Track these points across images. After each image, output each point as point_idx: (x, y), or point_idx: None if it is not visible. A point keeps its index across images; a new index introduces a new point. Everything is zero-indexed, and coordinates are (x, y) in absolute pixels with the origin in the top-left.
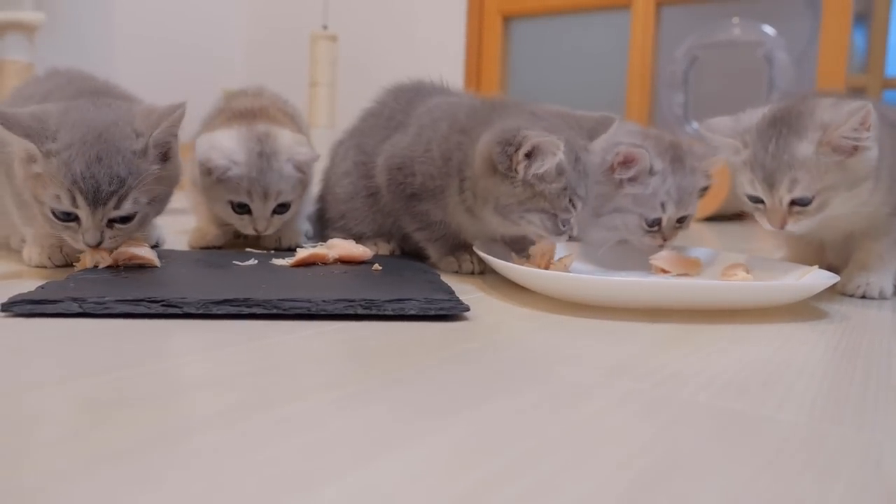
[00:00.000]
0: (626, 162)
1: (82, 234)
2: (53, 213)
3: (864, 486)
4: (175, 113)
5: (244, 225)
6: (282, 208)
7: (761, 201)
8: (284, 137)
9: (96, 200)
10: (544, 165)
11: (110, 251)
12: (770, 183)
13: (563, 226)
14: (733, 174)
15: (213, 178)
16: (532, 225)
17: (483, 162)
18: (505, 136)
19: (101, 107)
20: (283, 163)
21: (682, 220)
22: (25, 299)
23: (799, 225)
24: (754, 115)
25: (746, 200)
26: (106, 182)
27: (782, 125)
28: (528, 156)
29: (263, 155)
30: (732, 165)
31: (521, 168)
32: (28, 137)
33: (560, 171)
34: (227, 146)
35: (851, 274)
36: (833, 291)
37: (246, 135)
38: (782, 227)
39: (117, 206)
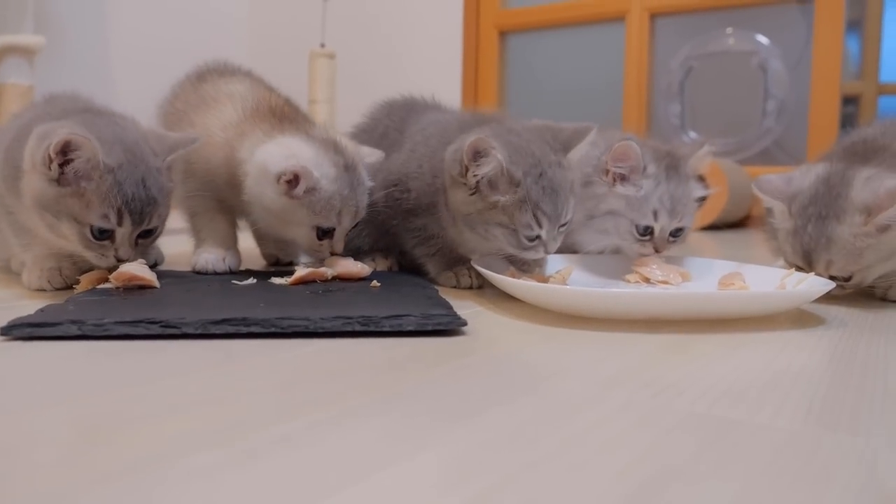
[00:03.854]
0: (619, 157)
1: (115, 250)
2: (93, 233)
3: (859, 492)
4: (191, 144)
5: (322, 250)
6: (355, 227)
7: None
8: (344, 140)
9: (139, 220)
10: (485, 166)
11: (110, 272)
12: (808, 261)
13: (530, 241)
14: (779, 232)
15: (288, 198)
16: (496, 240)
17: (447, 172)
18: (458, 143)
19: (110, 122)
20: (363, 172)
21: (676, 234)
22: (25, 322)
23: (842, 291)
24: (805, 179)
25: (788, 261)
26: (146, 203)
27: (822, 205)
28: (473, 158)
29: (350, 168)
30: (778, 226)
31: (469, 173)
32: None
33: (514, 182)
34: (310, 156)
35: (893, 280)
36: (872, 297)
37: (320, 145)
38: None
39: (149, 223)
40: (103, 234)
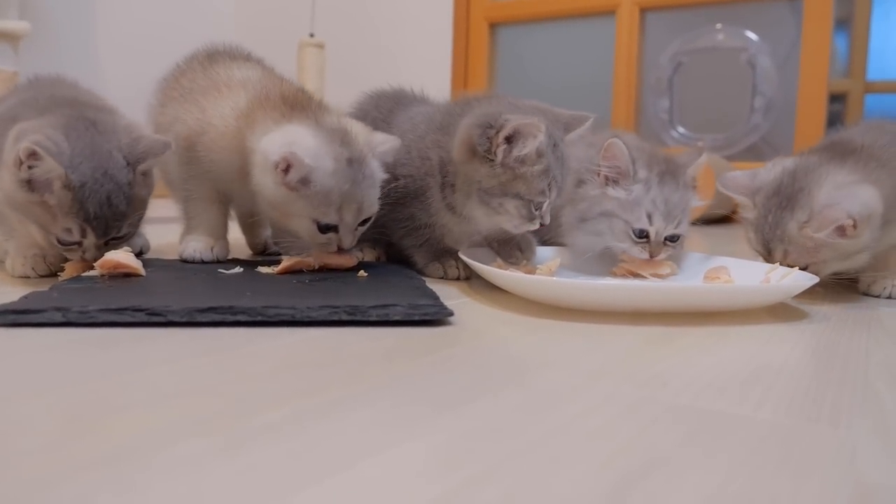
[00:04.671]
0: (606, 156)
1: (83, 252)
2: (59, 241)
3: (838, 483)
4: (163, 152)
5: (327, 243)
6: (366, 221)
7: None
8: (360, 131)
9: (105, 233)
10: (525, 148)
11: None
12: (767, 250)
13: (536, 210)
14: (744, 224)
15: (286, 189)
16: (507, 213)
17: (462, 146)
18: (486, 119)
19: (90, 127)
20: (374, 166)
21: (673, 240)
22: (9, 309)
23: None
24: (771, 172)
25: (754, 250)
26: (112, 219)
27: (783, 197)
28: (509, 140)
29: (354, 162)
30: (744, 219)
31: (500, 151)
32: (61, 164)
33: (540, 154)
34: (309, 146)
35: (876, 276)
36: (854, 292)
37: (326, 135)
38: None
39: (118, 231)
40: (69, 243)
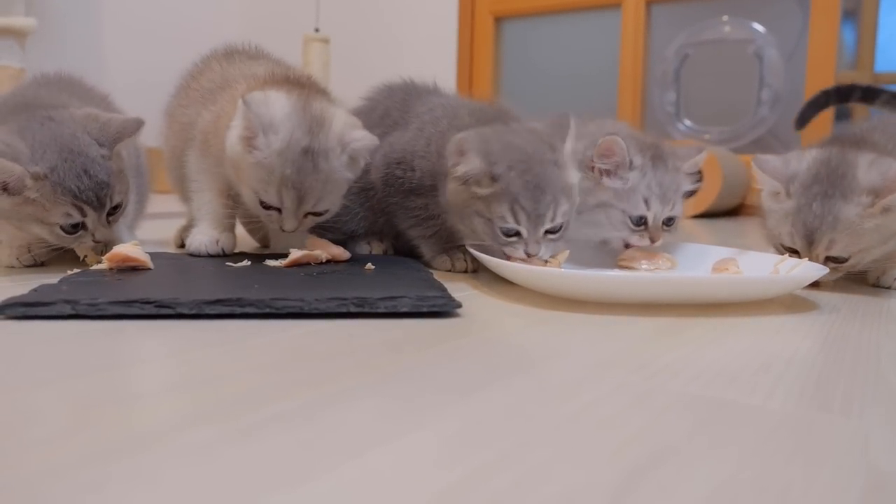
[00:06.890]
0: (604, 153)
1: (92, 234)
2: (63, 229)
3: (851, 472)
4: (136, 131)
5: (270, 220)
6: (317, 214)
7: (796, 251)
8: (338, 122)
9: (100, 205)
10: (465, 167)
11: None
12: (810, 241)
13: (506, 235)
14: (769, 217)
15: (241, 146)
16: (476, 231)
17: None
18: (454, 138)
19: (45, 122)
20: (336, 165)
21: (669, 223)
22: (18, 302)
23: (832, 275)
24: (802, 161)
25: (779, 246)
26: (98, 188)
27: (827, 184)
28: (457, 156)
29: (310, 153)
30: (770, 209)
31: (456, 168)
32: (21, 162)
33: (494, 178)
34: (274, 114)
35: (885, 266)
36: (864, 283)
37: (299, 115)
38: None
39: (111, 201)
40: (75, 227)
